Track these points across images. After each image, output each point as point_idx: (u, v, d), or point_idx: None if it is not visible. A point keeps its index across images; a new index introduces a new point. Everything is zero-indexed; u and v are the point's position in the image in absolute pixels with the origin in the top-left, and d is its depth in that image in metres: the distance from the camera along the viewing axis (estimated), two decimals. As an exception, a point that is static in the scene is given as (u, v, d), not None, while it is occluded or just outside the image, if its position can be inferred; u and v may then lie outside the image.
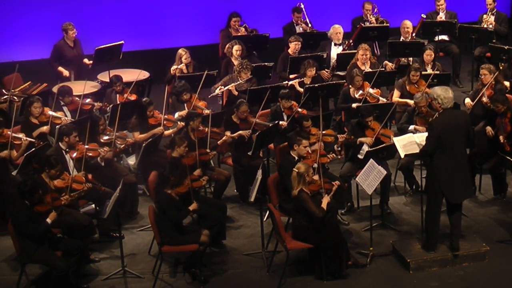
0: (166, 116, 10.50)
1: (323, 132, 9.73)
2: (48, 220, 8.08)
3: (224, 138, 9.98)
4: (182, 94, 10.79)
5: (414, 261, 8.55)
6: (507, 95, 10.53)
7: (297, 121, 9.97)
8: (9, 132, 9.51)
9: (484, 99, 10.31)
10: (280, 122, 10.20)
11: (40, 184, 8.32)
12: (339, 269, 8.41)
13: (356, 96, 10.89)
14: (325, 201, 8.39)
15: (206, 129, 9.86)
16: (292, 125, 10.19)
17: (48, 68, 12.40)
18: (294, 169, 8.45)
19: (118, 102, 10.80)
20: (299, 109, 10.46)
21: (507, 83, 10.91)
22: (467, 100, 10.62)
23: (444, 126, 8.31)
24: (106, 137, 9.87)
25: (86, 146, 9.39)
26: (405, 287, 8.40)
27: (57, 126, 9.82)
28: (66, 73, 12.13)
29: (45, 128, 10.06)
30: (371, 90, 10.88)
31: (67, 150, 9.32)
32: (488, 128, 9.80)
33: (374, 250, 8.83)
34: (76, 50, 12.33)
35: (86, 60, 12.28)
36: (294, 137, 9.29)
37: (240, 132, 10.01)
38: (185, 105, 10.83)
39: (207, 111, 10.47)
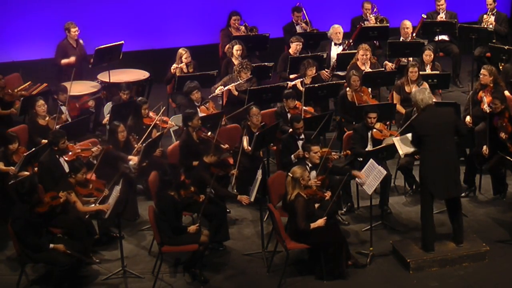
0: (164, 118, 10.50)
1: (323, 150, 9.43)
2: (51, 245, 8.07)
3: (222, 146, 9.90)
4: (192, 93, 10.74)
5: (414, 261, 8.55)
6: (506, 94, 10.52)
7: (289, 121, 9.95)
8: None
9: (485, 107, 10.24)
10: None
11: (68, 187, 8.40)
12: (339, 269, 8.41)
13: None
14: (319, 223, 8.34)
15: (209, 133, 9.87)
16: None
17: (52, 67, 12.37)
18: (289, 173, 8.44)
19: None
20: (305, 108, 10.48)
21: (507, 93, 10.78)
22: (468, 119, 10.36)
23: (424, 124, 8.37)
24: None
25: (78, 147, 9.40)
26: (405, 287, 8.40)
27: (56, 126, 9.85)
28: (71, 59, 12.02)
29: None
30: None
31: (59, 155, 9.27)
32: (484, 147, 9.73)
33: (374, 250, 8.84)
34: (79, 50, 12.30)
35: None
36: (307, 144, 9.25)
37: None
38: (198, 108, 10.69)
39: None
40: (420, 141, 8.43)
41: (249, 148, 9.67)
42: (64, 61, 12.09)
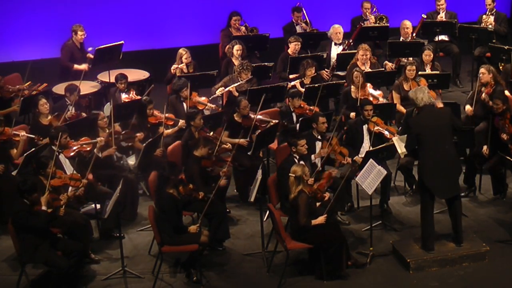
0: (167, 115, 10.50)
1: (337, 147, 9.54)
2: (44, 207, 8.07)
3: (224, 146, 9.91)
4: (182, 90, 10.80)
5: (414, 261, 8.55)
6: (507, 95, 10.52)
7: (313, 119, 9.92)
8: (11, 131, 9.50)
9: (483, 95, 10.28)
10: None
11: (38, 185, 8.33)
12: (339, 269, 8.41)
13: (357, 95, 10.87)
14: (320, 220, 8.37)
15: (212, 133, 9.87)
16: (306, 124, 10.09)
17: (51, 68, 12.38)
18: (290, 174, 8.44)
19: (123, 101, 10.83)
20: (312, 107, 10.48)
21: (507, 93, 10.78)
22: (468, 107, 10.56)
23: (421, 124, 8.40)
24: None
25: (79, 143, 9.41)
26: (405, 287, 8.40)
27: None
28: (83, 66, 12.10)
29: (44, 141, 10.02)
30: (372, 91, 10.89)
31: (60, 151, 9.27)
32: (484, 147, 9.76)
33: (374, 250, 8.84)
34: (82, 53, 12.33)
35: (90, 55, 12.29)
36: (293, 139, 9.27)
37: (239, 141, 9.87)
38: (184, 103, 10.82)
39: (211, 106, 10.79)
40: (417, 141, 8.42)
41: (232, 140, 9.82)
42: (76, 67, 12.14)
